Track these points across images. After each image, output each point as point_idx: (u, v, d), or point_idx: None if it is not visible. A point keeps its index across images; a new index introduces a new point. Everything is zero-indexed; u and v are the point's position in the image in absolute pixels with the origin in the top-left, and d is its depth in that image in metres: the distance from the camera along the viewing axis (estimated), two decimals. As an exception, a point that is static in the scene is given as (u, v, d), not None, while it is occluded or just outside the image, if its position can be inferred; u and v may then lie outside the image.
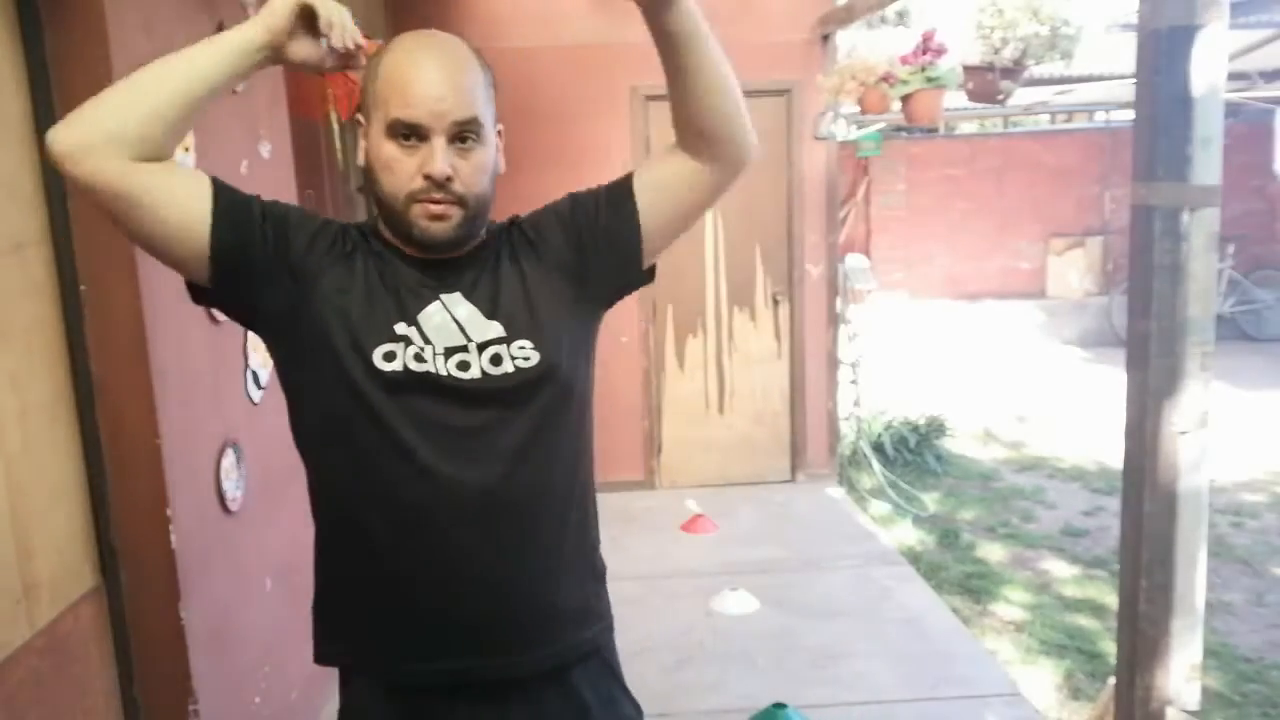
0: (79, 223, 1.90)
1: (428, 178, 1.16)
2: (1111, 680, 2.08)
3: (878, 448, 5.62)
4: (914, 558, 4.32)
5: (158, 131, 1.11)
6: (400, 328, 1.19)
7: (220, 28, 2.40)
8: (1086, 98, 8.76)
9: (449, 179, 1.16)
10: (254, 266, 1.18)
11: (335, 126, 3.74)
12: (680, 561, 4.20)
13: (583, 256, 1.27)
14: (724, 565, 4.10)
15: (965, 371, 8.21)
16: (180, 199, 1.14)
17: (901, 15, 9.60)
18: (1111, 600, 3.80)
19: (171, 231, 1.13)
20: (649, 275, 1.32)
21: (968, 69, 4.22)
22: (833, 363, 5.19)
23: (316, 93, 3.31)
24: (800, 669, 3.24)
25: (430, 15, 4.70)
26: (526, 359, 1.20)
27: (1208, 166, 1.73)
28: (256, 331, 1.29)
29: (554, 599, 1.25)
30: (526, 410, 1.21)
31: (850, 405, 5.47)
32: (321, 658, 1.31)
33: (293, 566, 2.80)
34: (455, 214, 1.18)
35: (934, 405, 6.28)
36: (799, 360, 5.14)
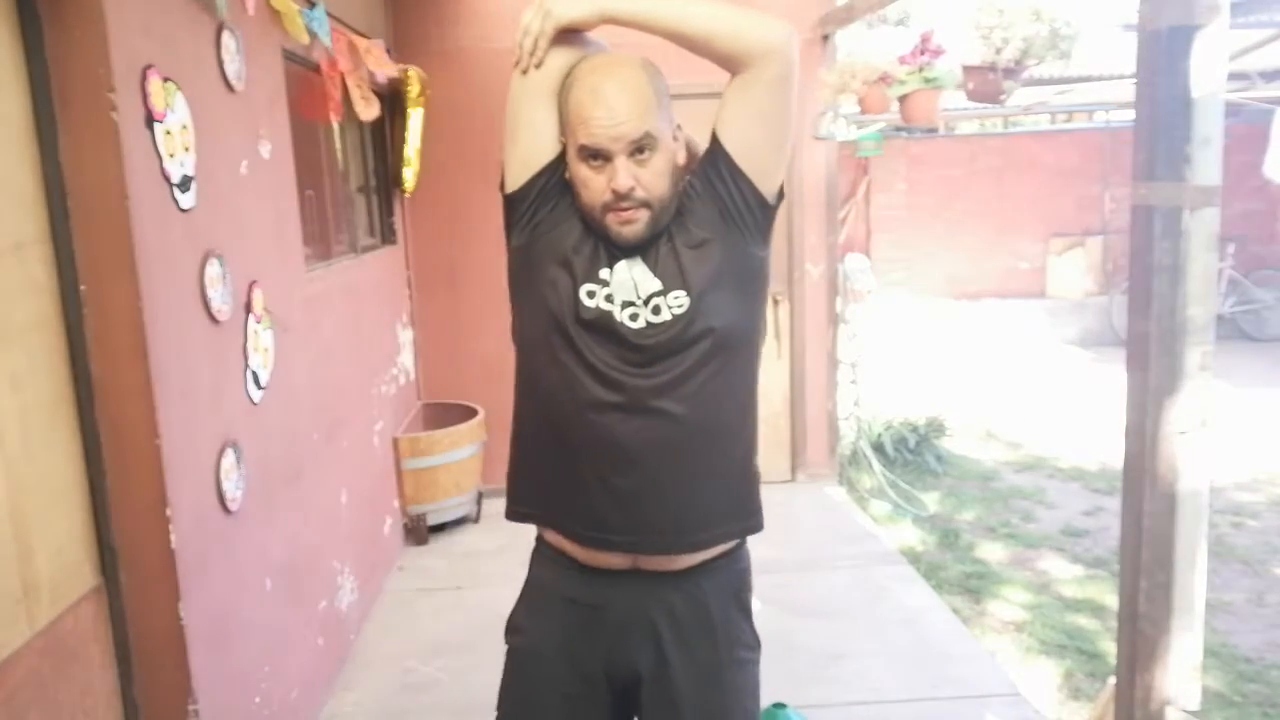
0: (79, 223, 1.90)
1: (615, 192, 1.39)
2: (1111, 680, 2.08)
3: (878, 448, 5.62)
4: (914, 558, 4.32)
5: None
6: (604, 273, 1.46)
7: (221, 30, 2.40)
8: (1086, 98, 8.74)
9: (632, 189, 1.39)
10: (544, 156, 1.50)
11: (335, 126, 3.74)
12: (680, 561, 4.19)
13: (721, 211, 1.47)
14: (724, 565, 4.10)
15: (965, 371, 8.21)
16: None
17: (902, 19, 9.62)
18: (1111, 600, 3.80)
19: None
20: (780, 196, 1.52)
21: (967, 69, 4.22)
22: (833, 363, 5.19)
23: (319, 94, 3.31)
24: (800, 669, 3.24)
25: (430, 15, 4.70)
26: (681, 306, 1.43)
27: (1208, 166, 1.73)
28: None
29: (695, 501, 1.49)
30: (688, 350, 1.44)
31: (850, 405, 5.47)
32: (511, 515, 1.60)
33: (293, 566, 2.80)
34: (642, 216, 1.42)
35: (934, 405, 6.28)
36: (799, 360, 5.14)
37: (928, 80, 4.08)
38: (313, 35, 3.03)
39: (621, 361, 1.43)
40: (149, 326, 1.96)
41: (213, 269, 2.28)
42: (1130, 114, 3.01)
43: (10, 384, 1.73)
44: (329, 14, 3.24)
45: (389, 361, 4.33)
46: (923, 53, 4.10)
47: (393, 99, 4.39)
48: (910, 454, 5.73)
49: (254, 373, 2.52)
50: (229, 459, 2.33)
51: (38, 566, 1.78)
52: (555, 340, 1.45)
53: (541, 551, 1.62)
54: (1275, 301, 8.94)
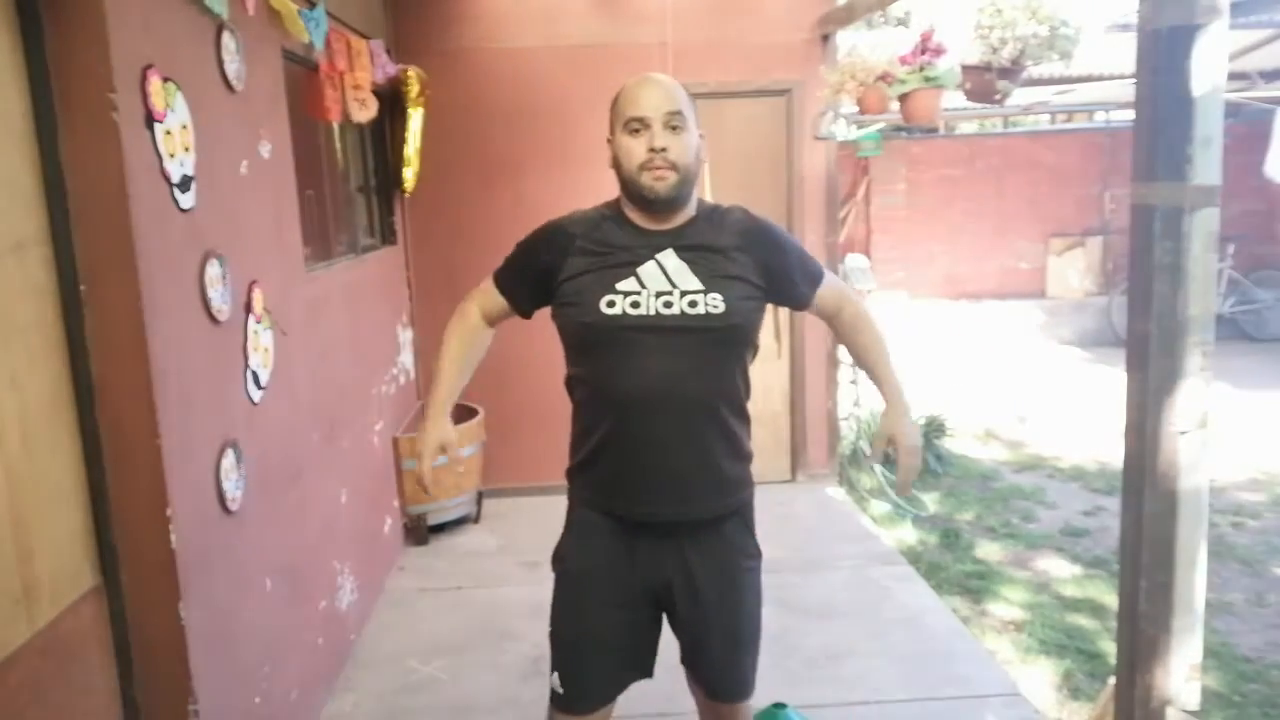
0: (79, 223, 1.90)
1: (651, 150, 1.76)
2: (1111, 680, 2.08)
3: (878, 448, 5.61)
4: (914, 558, 4.32)
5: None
6: (622, 284, 1.79)
7: (221, 30, 2.40)
8: (1086, 98, 8.75)
9: (665, 149, 1.76)
10: (537, 290, 1.94)
11: (335, 126, 3.74)
12: (680, 561, 4.19)
13: (770, 283, 1.89)
14: (724, 565, 4.09)
15: (965, 371, 8.21)
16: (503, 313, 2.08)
17: (903, 19, 9.61)
18: (1111, 600, 3.81)
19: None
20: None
21: (966, 69, 4.22)
22: (833, 363, 5.19)
23: (319, 94, 3.31)
24: (800, 669, 3.24)
25: (430, 15, 4.70)
26: (716, 307, 1.78)
27: (1208, 166, 1.73)
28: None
29: (717, 473, 1.87)
30: (708, 341, 1.79)
31: (850, 405, 5.47)
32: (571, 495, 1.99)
33: (293, 566, 2.80)
34: (671, 176, 1.77)
35: (934, 405, 6.28)
36: (799, 360, 5.14)
37: (928, 79, 4.07)
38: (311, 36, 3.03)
39: (648, 351, 1.79)
40: (149, 326, 1.96)
41: (213, 269, 2.28)
42: (1130, 114, 3.01)
43: (10, 384, 1.73)
44: (329, 14, 3.24)
45: (389, 361, 4.33)
46: (923, 52, 4.09)
47: (393, 99, 4.39)
48: (910, 454, 5.71)
49: (254, 373, 2.52)
50: (229, 459, 2.33)
51: (38, 566, 1.78)
52: (592, 342, 1.84)
53: (583, 515, 1.99)
54: (1275, 301, 8.94)
